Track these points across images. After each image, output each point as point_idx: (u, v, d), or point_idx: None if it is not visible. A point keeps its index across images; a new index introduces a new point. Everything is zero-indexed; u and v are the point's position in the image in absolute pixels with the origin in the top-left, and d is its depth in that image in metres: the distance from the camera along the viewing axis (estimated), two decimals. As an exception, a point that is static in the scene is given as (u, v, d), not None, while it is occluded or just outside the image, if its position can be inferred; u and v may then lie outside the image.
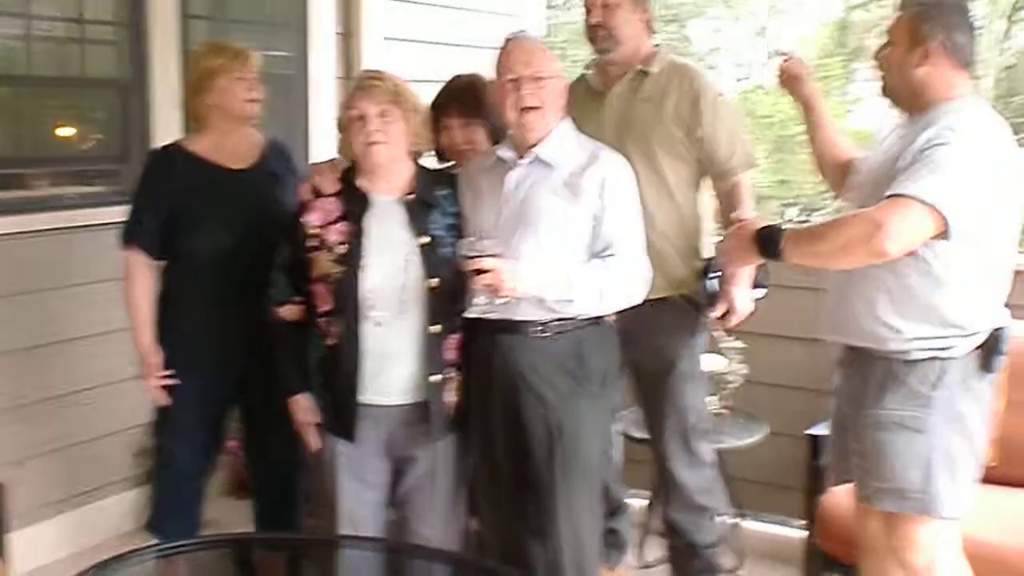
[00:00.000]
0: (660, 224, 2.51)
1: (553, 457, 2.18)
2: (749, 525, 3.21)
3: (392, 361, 2.18)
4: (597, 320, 2.23)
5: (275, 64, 3.82)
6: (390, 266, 2.16)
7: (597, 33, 2.57)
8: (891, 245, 1.89)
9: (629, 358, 2.58)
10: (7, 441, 2.99)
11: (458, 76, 2.53)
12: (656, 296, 2.43)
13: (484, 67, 2.35)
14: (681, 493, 2.65)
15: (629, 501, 3.00)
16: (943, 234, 1.92)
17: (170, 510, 2.56)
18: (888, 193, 1.92)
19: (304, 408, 2.27)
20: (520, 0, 4.75)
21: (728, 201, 2.58)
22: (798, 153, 7.16)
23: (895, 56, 2.06)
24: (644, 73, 2.57)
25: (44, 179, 3.24)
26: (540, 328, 2.18)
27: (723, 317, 2.50)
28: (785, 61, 2.39)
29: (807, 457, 2.68)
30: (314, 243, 2.21)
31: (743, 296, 2.46)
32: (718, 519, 2.76)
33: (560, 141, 2.22)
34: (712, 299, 2.50)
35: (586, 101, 2.59)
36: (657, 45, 2.62)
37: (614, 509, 2.85)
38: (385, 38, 4.05)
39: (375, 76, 2.22)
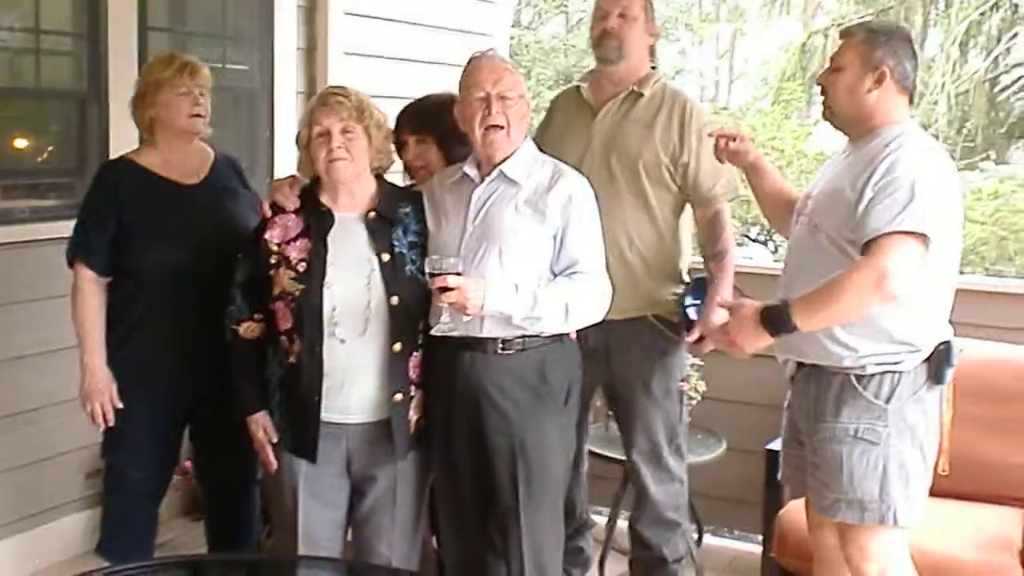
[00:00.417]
0: (639, 244, 2.54)
1: (516, 474, 2.18)
2: (708, 540, 3.22)
3: (354, 379, 2.16)
4: (560, 337, 2.24)
5: (238, 78, 3.79)
6: (354, 284, 2.15)
7: (607, 41, 2.57)
8: (898, 285, 1.95)
9: (602, 375, 2.60)
10: (-46, 461, 2.91)
11: (427, 95, 2.51)
12: (629, 316, 2.44)
13: (449, 84, 2.35)
14: (652, 508, 2.67)
15: (593, 518, 3.00)
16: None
17: (121, 532, 2.49)
18: (872, 236, 1.97)
19: (262, 427, 2.24)
20: (485, 18, 4.76)
21: (709, 229, 2.61)
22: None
23: (845, 80, 2.11)
24: (639, 94, 2.59)
25: (-6, 192, 3.17)
26: (503, 345, 2.17)
27: (698, 342, 2.54)
28: (722, 142, 2.31)
29: (765, 472, 2.71)
30: (275, 260, 2.19)
31: (721, 323, 2.48)
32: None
33: (524, 159, 2.23)
34: (690, 325, 2.54)
35: (576, 112, 2.61)
36: (654, 67, 2.65)
37: (580, 526, 2.85)
38: (347, 53, 4.03)
39: (339, 92, 2.20)
